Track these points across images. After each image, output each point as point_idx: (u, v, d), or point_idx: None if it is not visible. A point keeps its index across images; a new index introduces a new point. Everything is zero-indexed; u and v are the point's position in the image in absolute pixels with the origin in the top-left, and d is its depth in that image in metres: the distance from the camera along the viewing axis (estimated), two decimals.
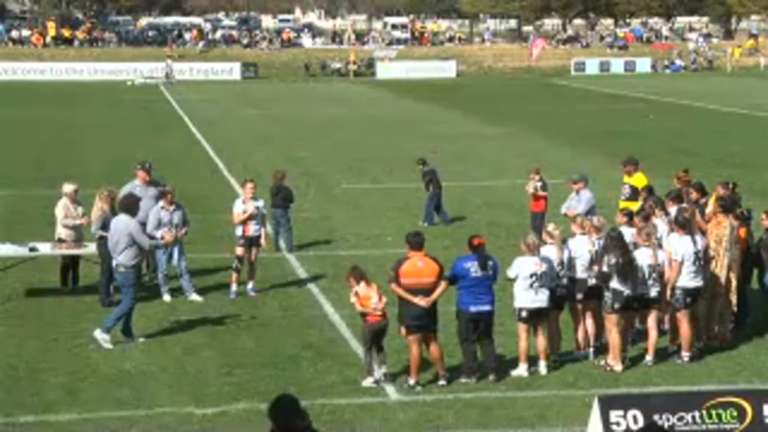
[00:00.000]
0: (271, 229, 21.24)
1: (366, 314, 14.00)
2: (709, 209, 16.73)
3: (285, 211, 21.81)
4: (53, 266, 19.19)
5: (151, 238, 18.34)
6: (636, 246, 14.97)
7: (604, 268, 14.76)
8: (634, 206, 17.62)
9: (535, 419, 13.03)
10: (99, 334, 15.65)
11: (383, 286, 14.30)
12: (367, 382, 14.08)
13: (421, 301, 13.79)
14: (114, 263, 16.14)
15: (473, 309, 14.09)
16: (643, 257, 14.82)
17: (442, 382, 14.04)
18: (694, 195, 17.61)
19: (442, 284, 13.94)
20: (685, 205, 16.81)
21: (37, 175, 31.81)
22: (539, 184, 21.88)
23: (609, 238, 14.88)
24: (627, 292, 14.70)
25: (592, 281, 15.00)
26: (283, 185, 22.02)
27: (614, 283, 14.70)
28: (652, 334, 15.06)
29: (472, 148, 38.45)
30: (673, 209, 16.51)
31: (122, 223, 16.02)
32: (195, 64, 77.95)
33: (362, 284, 14.08)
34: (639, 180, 19.80)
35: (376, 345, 14.06)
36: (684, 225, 15.23)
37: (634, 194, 19.39)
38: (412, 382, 14.01)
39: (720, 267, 15.74)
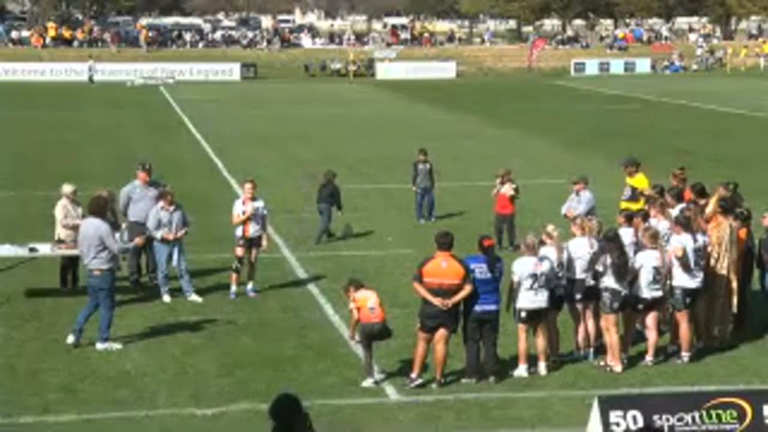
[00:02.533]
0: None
1: (359, 313, 14.04)
2: (709, 209, 16.72)
3: (328, 205, 22.73)
4: (53, 267, 19.18)
5: (152, 238, 18.42)
6: (642, 248, 14.97)
7: (599, 268, 14.79)
8: (635, 207, 17.61)
9: (535, 420, 13.03)
10: (101, 346, 15.60)
11: (382, 287, 14.31)
12: (367, 382, 14.08)
13: (438, 303, 13.80)
14: (87, 268, 15.84)
15: (478, 309, 14.10)
16: (648, 259, 14.81)
17: (434, 385, 14.04)
18: (688, 194, 17.60)
19: (466, 288, 13.90)
20: (685, 205, 16.82)
21: (37, 175, 31.80)
22: (514, 186, 22.10)
23: (606, 239, 14.90)
24: (625, 291, 14.72)
25: (590, 282, 15.01)
26: (333, 183, 23.00)
27: (612, 283, 14.72)
28: (652, 335, 15.06)
29: (472, 149, 38.46)
30: (674, 210, 16.49)
31: (92, 226, 15.71)
32: (195, 65, 77.93)
33: (360, 291, 14.10)
34: (640, 181, 19.80)
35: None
36: (685, 224, 15.24)
37: (635, 195, 19.39)
38: (413, 375, 14.02)
39: (720, 268, 15.74)
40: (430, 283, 13.89)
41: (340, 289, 18.78)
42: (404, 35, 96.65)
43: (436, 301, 13.82)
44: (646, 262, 14.84)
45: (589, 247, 15.06)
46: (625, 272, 14.68)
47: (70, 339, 15.67)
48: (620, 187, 20.79)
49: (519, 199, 22.53)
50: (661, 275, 14.90)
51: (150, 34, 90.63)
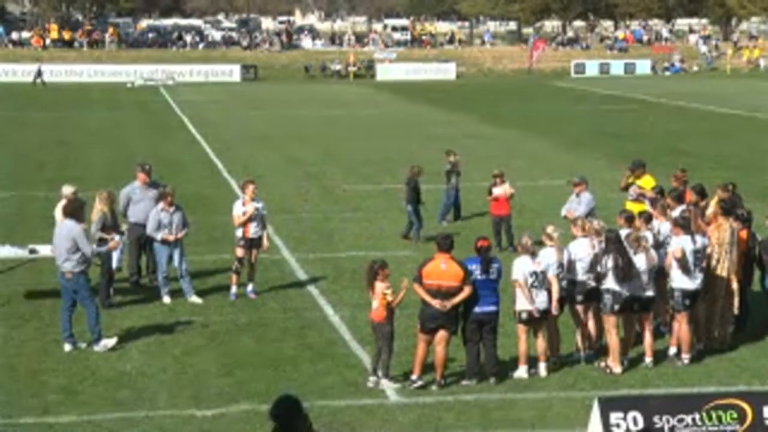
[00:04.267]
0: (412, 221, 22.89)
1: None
2: (709, 211, 16.72)
3: (414, 205, 22.89)
4: (53, 268, 19.15)
5: (152, 239, 18.41)
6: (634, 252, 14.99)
7: (600, 269, 14.78)
8: (639, 208, 17.60)
9: (534, 421, 13.03)
10: (97, 346, 15.58)
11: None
12: (371, 381, 14.16)
13: (437, 304, 13.81)
14: (60, 270, 15.79)
15: (477, 310, 14.10)
16: (638, 262, 14.82)
17: (434, 387, 14.05)
18: (689, 196, 17.60)
19: (466, 290, 13.91)
20: (685, 206, 16.82)
21: (38, 177, 31.81)
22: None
23: (607, 240, 14.90)
24: (626, 293, 14.71)
25: (592, 283, 15.00)
26: (416, 180, 23.11)
27: (613, 285, 14.71)
28: (647, 336, 15.07)
29: (472, 150, 38.41)
30: (675, 211, 16.49)
31: (66, 228, 15.69)
32: (195, 66, 77.96)
33: (377, 284, 14.05)
34: (647, 182, 19.81)
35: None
36: (684, 225, 15.24)
37: (641, 196, 19.38)
38: (414, 377, 14.03)
39: (721, 269, 15.73)
40: (429, 284, 13.90)
41: (341, 290, 18.87)
42: (405, 36, 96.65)
43: (435, 302, 13.83)
44: (639, 264, 14.85)
45: (590, 248, 15.06)
46: (629, 273, 14.66)
47: (67, 347, 15.65)
48: (619, 187, 20.76)
49: (516, 199, 22.56)
50: (650, 276, 14.90)
51: (152, 34, 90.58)
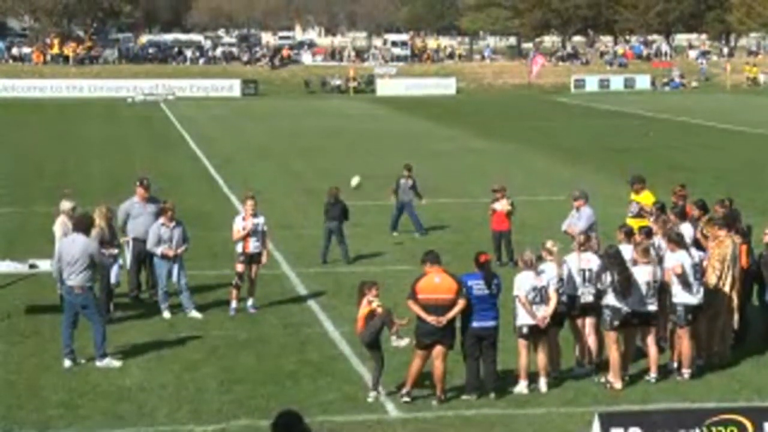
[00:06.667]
0: (321, 242, 22.39)
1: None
2: (701, 225, 16.74)
3: (340, 224, 22.37)
4: (53, 283, 19.15)
5: (152, 254, 18.41)
6: (635, 263, 14.97)
7: (599, 286, 14.77)
8: (640, 224, 17.60)
9: None
10: (101, 363, 15.55)
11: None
12: (370, 396, 14.15)
13: (432, 320, 13.80)
14: (67, 284, 15.62)
15: (476, 325, 14.10)
16: (641, 274, 14.81)
17: (434, 402, 14.02)
18: (690, 210, 17.61)
19: (460, 303, 13.92)
20: (689, 223, 16.84)
21: (37, 192, 31.82)
22: (510, 201, 22.21)
23: (606, 256, 14.89)
24: (625, 309, 14.70)
25: (590, 298, 15.00)
26: (339, 200, 22.61)
27: (612, 301, 14.70)
28: (652, 351, 15.05)
29: (472, 165, 38.48)
30: (680, 227, 16.48)
31: (81, 243, 15.56)
32: (195, 81, 78.07)
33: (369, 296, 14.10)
34: (646, 198, 19.82)
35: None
36: (679, 241, 15.24)
37: (642, 212, 19.39)
38: (404, 390, 14.01)
39: (722, 284, 15.71)
40: (426, 299, 13.89)
41: (341, 306, 18.85)
42: (405, 52, 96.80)
43: (430, 319, 13.81)
44: (639, 277, 14.83)
45: (589, 263, 15.05)
46: (628, 289, 14.64)
47: (67, 363, 15.58)
48: (620, 203, 20.80)
49: (517, 215, 22.57)
50: (654, 290, 14.88)
51: (152, 49, 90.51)
